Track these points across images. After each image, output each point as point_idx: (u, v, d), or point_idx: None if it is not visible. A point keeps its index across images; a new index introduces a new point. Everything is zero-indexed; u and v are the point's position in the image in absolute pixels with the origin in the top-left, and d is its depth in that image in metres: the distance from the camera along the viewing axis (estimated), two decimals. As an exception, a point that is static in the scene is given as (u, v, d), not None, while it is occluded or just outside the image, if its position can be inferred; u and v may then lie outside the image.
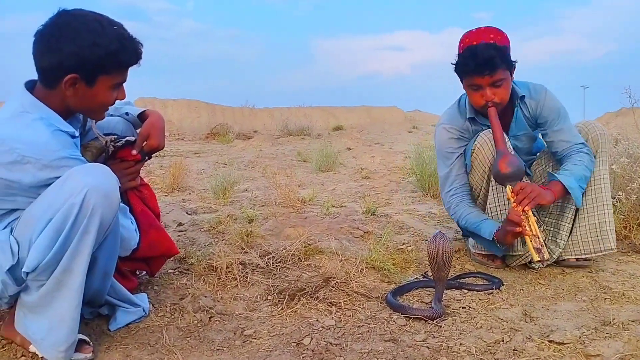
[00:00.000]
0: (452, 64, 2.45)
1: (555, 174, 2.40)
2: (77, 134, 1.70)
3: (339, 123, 19.21)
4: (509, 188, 2.29)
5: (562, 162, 2.48)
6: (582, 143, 2.47)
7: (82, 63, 1.58)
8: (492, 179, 2.44)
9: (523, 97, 2.52)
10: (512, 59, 2.41)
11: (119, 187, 1.93)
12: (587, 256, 2.53)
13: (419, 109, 29.27)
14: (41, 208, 1.51)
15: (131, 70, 1.73)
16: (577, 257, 2.55)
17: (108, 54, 1.60)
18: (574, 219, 2.54)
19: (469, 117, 2.58)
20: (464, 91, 2.55)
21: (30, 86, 1.65)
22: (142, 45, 1.69)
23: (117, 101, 1.94)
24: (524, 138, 2.62)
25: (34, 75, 1.65)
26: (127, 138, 1.97)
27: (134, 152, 1.96)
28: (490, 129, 2.43)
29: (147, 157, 2.03)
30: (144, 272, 2.20)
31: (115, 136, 1.97)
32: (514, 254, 2.52)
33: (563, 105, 2.55)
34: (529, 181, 2.56)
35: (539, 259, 2.20)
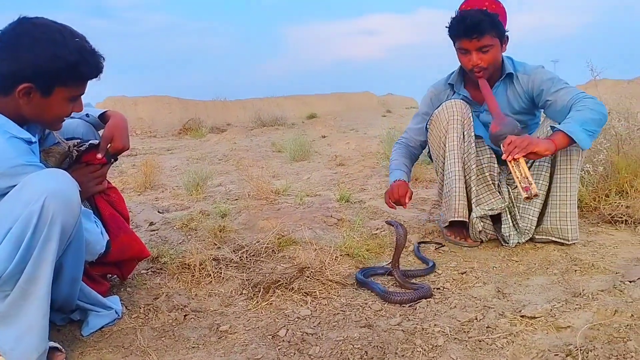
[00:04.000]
0: (445, 27, 2.54)
1: (555, 125, 2.34)
2: (34, 139, 1.65)
3: (313, 111, 19.15)
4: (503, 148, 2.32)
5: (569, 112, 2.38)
6: (583, 92, 2.41)
7: (38, 73, 1.54)
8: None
9: (510, 74, 2.57)
10: (505, 30, 2.51)
11: (90, 190, 1.90)
12: (554, 239, 2.56)
13: (392, 92, 29.29)
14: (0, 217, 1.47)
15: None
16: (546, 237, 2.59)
17: (67, 66, 1.56)
18: (546, 203, 2.54)
19: (449, 82, 2.73)
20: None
21: None
22: (104, 59, 1.66)
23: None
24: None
25: None
26: (90, 142, 1.93)
27: (99, 155, 1.92)
28: (454, 100, 2.60)
29: (113, 160, 2.00)
30: (115, 276, 2.18)
31: (79, 140, 1.93)
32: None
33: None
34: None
35: (527, 196, 2.23)
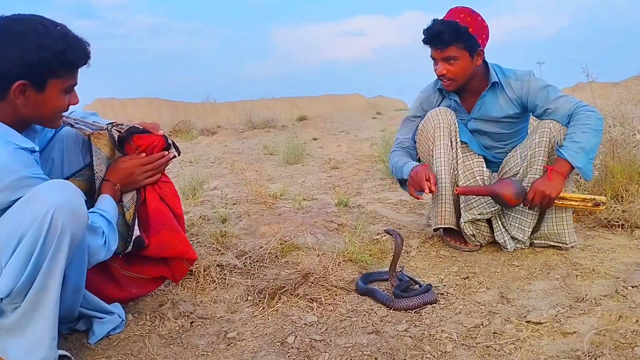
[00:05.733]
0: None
1: (562, 150, 2.36)
2: (37, 148, 1.64)
3: (303, 113, 19.15)
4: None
5: (570, 121, 2.43)
6: (582, 101, 2.49)
7: (29, 67, 1.52)
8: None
9: (495, 83, 2.57)
10: (479, 44, 2.49)
11: (139, 183, 1.90)
12: (553, 244, 2.60)
13: (382, 94, 29.40)
14: (7, 231, 1.45)
15: (86, 71, 1.67)
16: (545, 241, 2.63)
17: (55, 54, 1.54)
18: (542, 211, 2.57)
19: (438, 87, 2.73)
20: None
21: None
22: (89, 45, 1.64)
23: (82, 113, 1.87)
24: (487, 123, 2.67)
25: None
26: (130, 125, 1.84)
27: (161, 132, 1.88)
28: (439, 108, 2.65)
29: (172, 149, 1.94)
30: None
31: (112, 122, 1.86)
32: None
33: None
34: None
35: (603, 207, 2.49)
